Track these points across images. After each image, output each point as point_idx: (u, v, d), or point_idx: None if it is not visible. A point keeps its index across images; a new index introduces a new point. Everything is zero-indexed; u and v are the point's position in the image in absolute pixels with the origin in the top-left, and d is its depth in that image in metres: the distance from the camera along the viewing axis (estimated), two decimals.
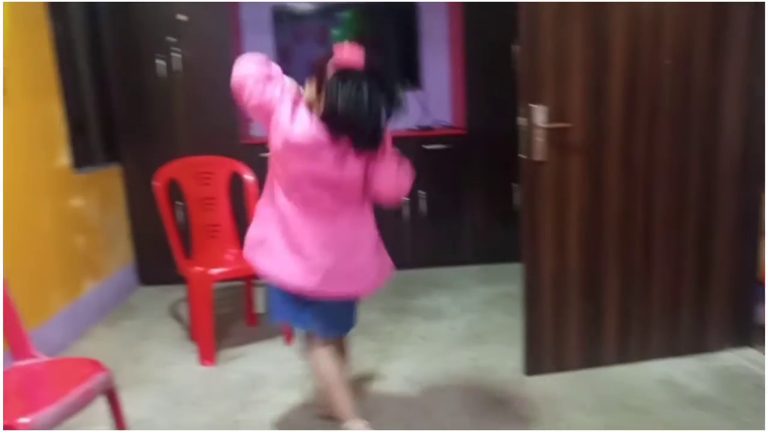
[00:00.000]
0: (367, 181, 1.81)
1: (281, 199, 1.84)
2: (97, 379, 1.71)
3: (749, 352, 2.67)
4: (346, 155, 1.74)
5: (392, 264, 2.02)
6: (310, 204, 1.81)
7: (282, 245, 1.84)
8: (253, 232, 1.96)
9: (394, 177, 1.84)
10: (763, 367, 2.54)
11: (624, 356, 2.60)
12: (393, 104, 1.73)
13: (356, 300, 2.03)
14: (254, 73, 1.78)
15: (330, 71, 1.71)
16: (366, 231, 1.92)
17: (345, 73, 1.69)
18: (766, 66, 2.46)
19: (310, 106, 1.76)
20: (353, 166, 1.76)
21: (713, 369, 2.54)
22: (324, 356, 1.95)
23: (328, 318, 1.95)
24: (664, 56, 2.38)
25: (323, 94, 1.70)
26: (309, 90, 1.79)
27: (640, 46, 2.35)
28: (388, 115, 1.73)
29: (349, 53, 1.72)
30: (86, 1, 3.64)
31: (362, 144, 1.72)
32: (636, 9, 2.32)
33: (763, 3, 2.41)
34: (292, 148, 1.73)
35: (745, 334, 2.71)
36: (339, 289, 1.87)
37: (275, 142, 1.76)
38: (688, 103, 2.45)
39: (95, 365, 1.76)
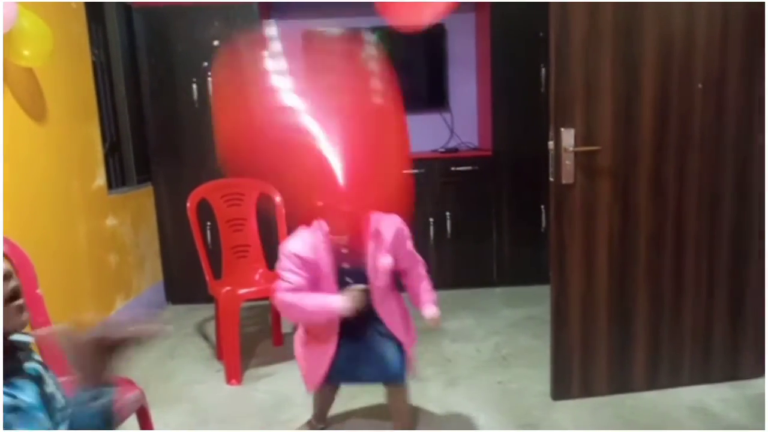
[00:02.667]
0: None
1: None
2: (129, 398, 1.74)
3: None
4: None
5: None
6: None
7: None
8: None
9: None
10: None
11: (654, 382, 2.54)
12: None
13: None
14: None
15: None
16: None
17: None
18: None
19: None
20: None
21: (747, 397, 2.48)
22: None
23: None
24: (696, 80, 2.37)
25: None
26: None
27: (671, 69, 2.35)
28: None
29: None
30: (125, 27, 3.77)
31: None
32: (667, 32, 2.31)
33: None
34: None
35: None
36: None
37: None
38: (721, 127, 2.42)
39: (129, 383, 1.79)
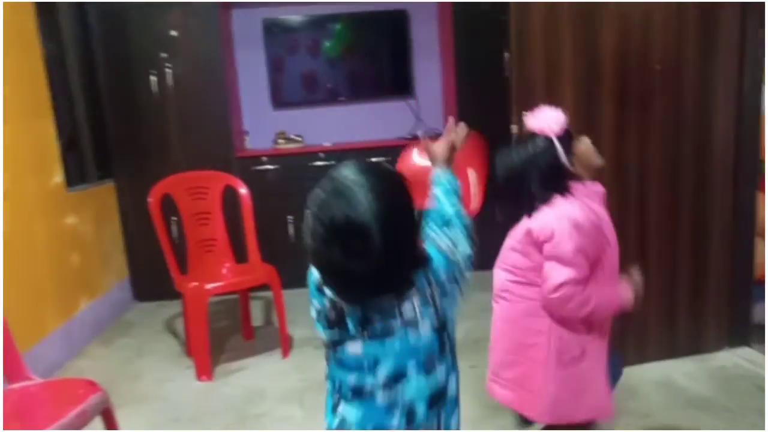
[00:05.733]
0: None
1: None
2: (92, 400, 1.70)
3: (747, 352, 2.68)
4: None
5: (545, 403, 1.59)
6: None
7: None
8: None
9: None
10: (761, 366, 2.54)
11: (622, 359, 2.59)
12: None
13: None
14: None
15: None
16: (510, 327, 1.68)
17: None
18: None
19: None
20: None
21: (711, 370, 2.54)
22: None
23: None
24: (654, 61, 2.40)
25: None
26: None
27: (630, 51, 2.37)
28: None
29: (543, 122, 1.60)
30: (78, 19, 3.65)
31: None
32: (625, 14, 2.33)
33: (749, 6, 2.43)
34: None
35: (743, 334, 2.72)
36: None
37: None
38: (679, 107, 2.46)
39: (91, 385, 1.75)
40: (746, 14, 2.45)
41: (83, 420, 1.65)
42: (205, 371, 2.78)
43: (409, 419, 1.04)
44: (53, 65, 3.24)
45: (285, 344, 3.00)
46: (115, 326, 3.60)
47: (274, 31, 4.30)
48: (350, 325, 1.03)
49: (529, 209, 1.57)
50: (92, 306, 3.41)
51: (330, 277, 0.99)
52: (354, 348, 1.04)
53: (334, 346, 1.07)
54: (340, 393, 1.08)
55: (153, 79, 3.75)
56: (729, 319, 2.69)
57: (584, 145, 1.65)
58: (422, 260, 1.06)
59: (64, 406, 1.65)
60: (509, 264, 1.64)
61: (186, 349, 3.09)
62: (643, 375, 2.53)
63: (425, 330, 1.04)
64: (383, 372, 1.03)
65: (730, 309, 2.68)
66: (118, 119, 3.80)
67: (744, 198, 2.60)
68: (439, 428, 1.08)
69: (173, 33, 3.71)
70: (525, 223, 1.59)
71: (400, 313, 1.02)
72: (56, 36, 3.42)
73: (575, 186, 1.58)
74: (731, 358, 2.63)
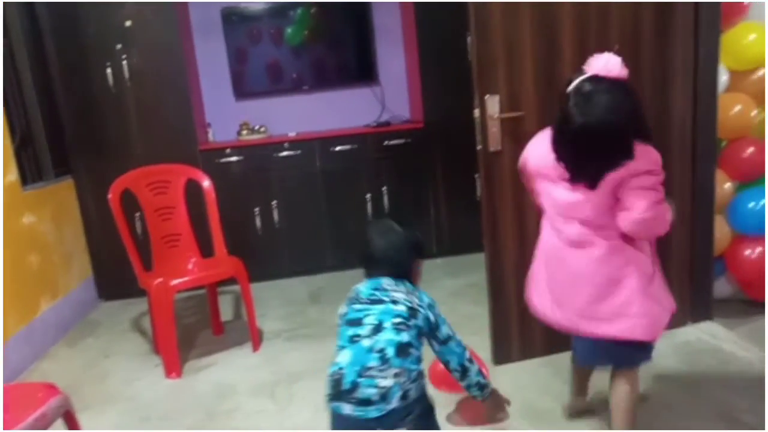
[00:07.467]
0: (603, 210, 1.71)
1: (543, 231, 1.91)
2: (52, 403, 1.65)
3: (710, 326, 2.74)
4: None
5: (645, 321, 1.74)
6: (557, 233, 1.82)
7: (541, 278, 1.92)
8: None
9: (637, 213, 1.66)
10: (724, 340, 2.61)
11: None
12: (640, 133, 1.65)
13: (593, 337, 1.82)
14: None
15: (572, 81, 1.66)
16: (598, 267, 1.74)
17: (590, 83, 1.63)
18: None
19: None
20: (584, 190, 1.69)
21: (676, 345, 2.60)
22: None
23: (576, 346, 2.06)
24: (613, 42, 2.41)
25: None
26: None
27: (588, 33, 2.37)
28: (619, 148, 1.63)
29: (604, 64, 1.64)
30: (27, 6, 3.51)
31: (581, 169, 1.67)
32: None
33: None
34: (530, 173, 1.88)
35: (705, 309, 2.78)
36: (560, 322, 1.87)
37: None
38: (638, 85, 2.47)
39: (50, 389, 1.69)
40: None
41: (43, 424, 1.60)
42: (173, 368, 2.73)
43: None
44: (2, 60, 3.12)
45: (255, 338, 2.96)
46: (80, 327, 3.52)
47: (233, 19, 4.21)
48: None
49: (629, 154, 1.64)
50: (55, 307, 3.32)
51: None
52: None
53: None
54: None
55: (109, 71, 3.64)
56: (691, 294, 2.74)
57: None
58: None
59: (23, 410, 1.59)
60: (581, 216, 1.73)
61: (154, 347, 3.03)
62: None
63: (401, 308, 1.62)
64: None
65: (692, 284, 2.74)
66: (74, 114, 3.69)
67: (703, 174, 2.65)
68: None
69: (128, 23, 3.60)
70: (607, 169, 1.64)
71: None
72: (4, 29, 3.29)
73: None
74: (695, 333, 2.70)
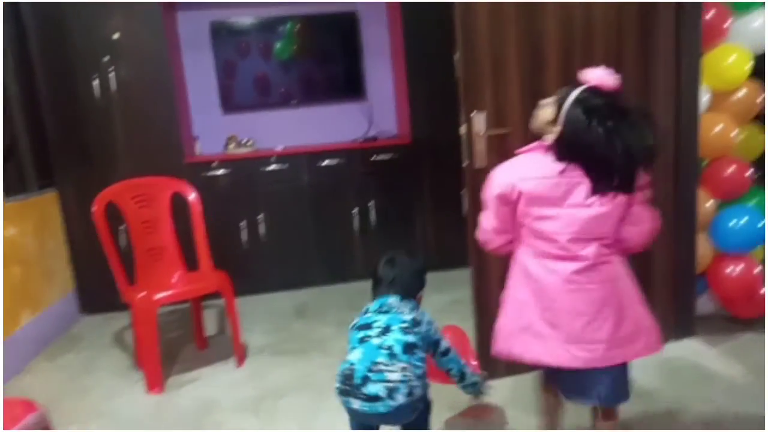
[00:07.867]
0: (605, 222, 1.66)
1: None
2: (30, 420, 1.63)
3: (692, 343, 2.77)
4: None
5: (657, 332, 1.75)
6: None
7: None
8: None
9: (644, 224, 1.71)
10: (706, 357, 2.63)
11: None
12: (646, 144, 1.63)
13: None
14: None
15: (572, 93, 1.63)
16: (615, 287, 1.69)
17: (595, 97, 1.61)
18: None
19: (541, 131, 1.72)
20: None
21: (659, 361, 2.60)
22: None
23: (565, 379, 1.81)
24: (597, 59, 2.45)
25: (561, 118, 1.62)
26: (544, 112, 1.71)
27: (573, 50, 2.41)
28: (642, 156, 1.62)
29: (601, 75, 1.66)
30: (13, 16, 3.49)
31: (608, 180, 1.60)
32: (568, 13, 2.37)
33: (684, 7, 2.52)
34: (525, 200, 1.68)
35: (688, 326, 2.81)
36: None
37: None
38: None
39: (27, 405, 1.67)
40: (681, 16, 2.52)
41: None
42: (155, 384, 2.70)
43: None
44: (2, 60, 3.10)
45: (239, 353, 2.94)
46: (61, 341, 3.46)
47: (222, 33, 4.23)
48: None
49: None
50: (35, 321, 3.27)
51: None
52: None
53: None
54: None
55: (96, 83, 3.63)
56: (674, 311, 2.77)
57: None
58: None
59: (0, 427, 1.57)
60: (597, 234, 1.65)
61: (136, 361, 2.99)
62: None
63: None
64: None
65: (674, 301, 2.76)
66: (60, 126, 3.66)
67: (685, 193, 2.69)
68: None
69: (116, 36, 3.60)
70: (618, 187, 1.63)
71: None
72: None
73: None
74: (677, 350, 2.71)
